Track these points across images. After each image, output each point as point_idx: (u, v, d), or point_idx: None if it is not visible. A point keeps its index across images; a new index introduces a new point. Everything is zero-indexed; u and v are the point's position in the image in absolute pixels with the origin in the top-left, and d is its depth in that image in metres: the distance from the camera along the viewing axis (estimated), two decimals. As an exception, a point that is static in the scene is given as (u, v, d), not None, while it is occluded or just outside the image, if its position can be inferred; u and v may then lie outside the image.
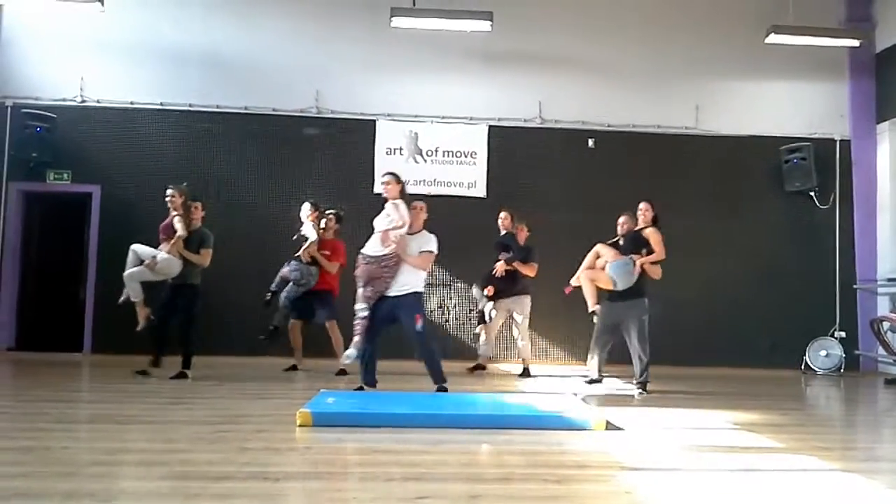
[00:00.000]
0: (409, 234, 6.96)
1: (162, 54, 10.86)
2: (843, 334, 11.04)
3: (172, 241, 7.90)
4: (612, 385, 8.41)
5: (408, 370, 8.28)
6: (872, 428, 6.82)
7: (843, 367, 10.75)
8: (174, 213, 8.04)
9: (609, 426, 5.51)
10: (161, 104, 10.78)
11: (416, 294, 6.98)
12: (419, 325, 6.82)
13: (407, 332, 6.93)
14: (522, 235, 9.33)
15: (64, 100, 10.68)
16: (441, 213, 10.28)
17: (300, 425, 5.24)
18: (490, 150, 11.09)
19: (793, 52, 10.99)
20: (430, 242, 7.06)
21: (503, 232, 9.40)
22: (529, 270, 9.13)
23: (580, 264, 7.97)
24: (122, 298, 8.01)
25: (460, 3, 9.75)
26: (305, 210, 9.01)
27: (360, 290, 6.85)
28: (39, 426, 5.22)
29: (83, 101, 10.73)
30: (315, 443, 4.88)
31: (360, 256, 6.95)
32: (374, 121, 10.99)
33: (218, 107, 10.84)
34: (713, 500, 3.73)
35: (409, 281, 6.90)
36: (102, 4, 9.57)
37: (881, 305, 11.09)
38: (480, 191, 11.01)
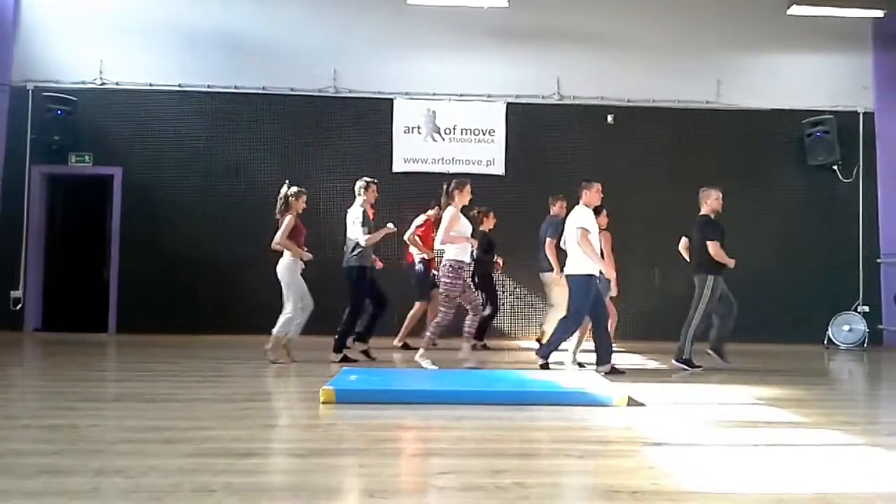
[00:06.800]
0: None
1: (180, 36, 10.86)
2: (866, 309, 10.93)
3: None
4: (632, 360, 8.41)
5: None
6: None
7: (866, 341, 10.66)
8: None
9: (631, 402, 5.51)
10: (180, 86, 10.80)
11: None
12: None
13: None
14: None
15: (84, 83, 10.71)
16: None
17: (323, 402, 5.29)
18: (508, 128, 11.02)
19: (815, 24, 10.81)
20: None
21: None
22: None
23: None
24: None
25: (477, -21, 9.69)
26: None
27: None
28: (66, 405, 5.31)
29: (103, 84, 10.76)
30: (338, 419, 4.92)
31: None
32: (391, 99, 10.95)
33: (236, 87, 10.84)
34: (737, 475, 3.72)
35: None
36: (120, -14, 9.61)
37: (905, 279, 10.97)
38: (499, 168, 10.97)
